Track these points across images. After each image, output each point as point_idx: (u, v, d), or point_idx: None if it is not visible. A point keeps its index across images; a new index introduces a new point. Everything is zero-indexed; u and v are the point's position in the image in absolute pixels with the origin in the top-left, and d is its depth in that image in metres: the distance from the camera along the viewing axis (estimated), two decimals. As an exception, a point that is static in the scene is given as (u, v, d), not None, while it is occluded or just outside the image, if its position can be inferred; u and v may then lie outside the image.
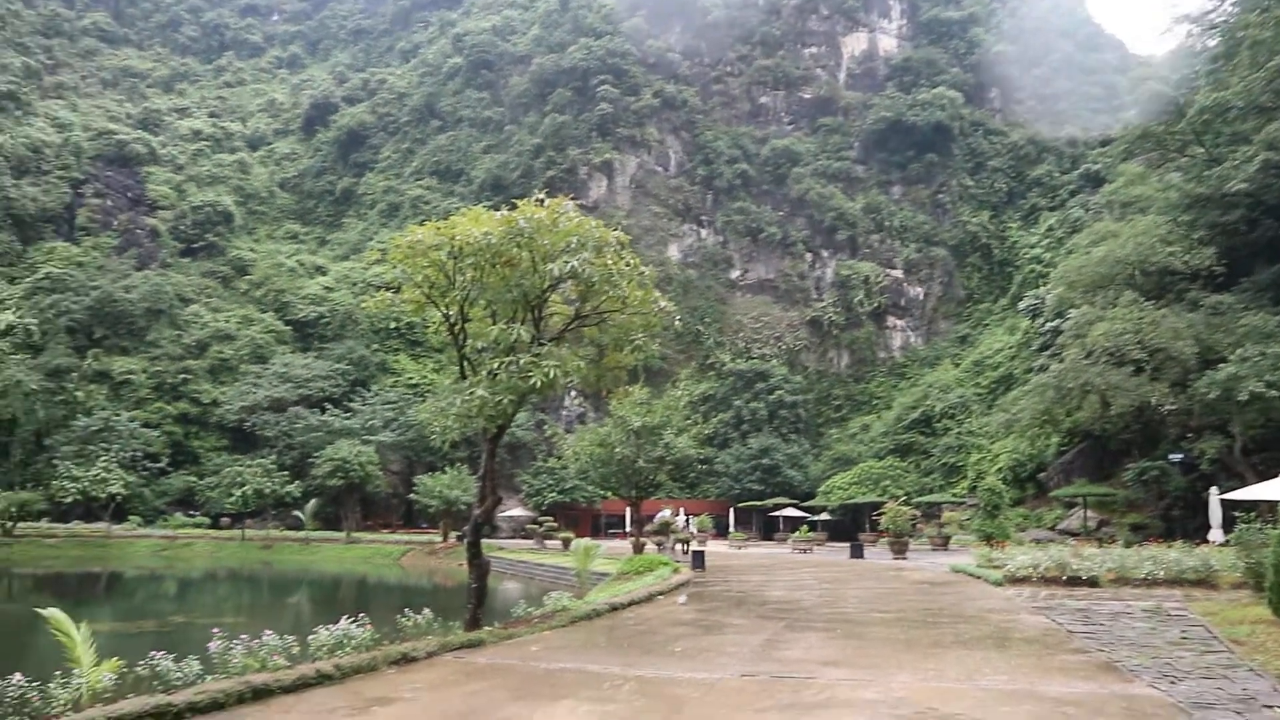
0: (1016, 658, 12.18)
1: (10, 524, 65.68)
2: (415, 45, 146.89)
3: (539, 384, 14.26)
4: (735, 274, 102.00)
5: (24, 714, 9.82)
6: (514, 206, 15.67)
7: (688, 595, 22.42)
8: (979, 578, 24.29)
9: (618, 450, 35.34)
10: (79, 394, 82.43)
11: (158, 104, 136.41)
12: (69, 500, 69.97)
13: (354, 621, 13.80)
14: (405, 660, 12.04)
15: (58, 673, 10.45)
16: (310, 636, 13.32)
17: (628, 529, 64.62)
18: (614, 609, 18.32)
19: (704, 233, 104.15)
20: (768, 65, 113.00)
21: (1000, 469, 58.97)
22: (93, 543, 65.69)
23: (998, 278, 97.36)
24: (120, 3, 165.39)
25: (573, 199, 16.80)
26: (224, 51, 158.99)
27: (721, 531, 70.46)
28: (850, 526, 66.70)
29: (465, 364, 16.41)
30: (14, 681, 10.10)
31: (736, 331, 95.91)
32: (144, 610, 34.74)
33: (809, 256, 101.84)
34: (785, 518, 68.81)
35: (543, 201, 15.76)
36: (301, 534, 68.92)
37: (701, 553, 33.23)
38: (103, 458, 72.90)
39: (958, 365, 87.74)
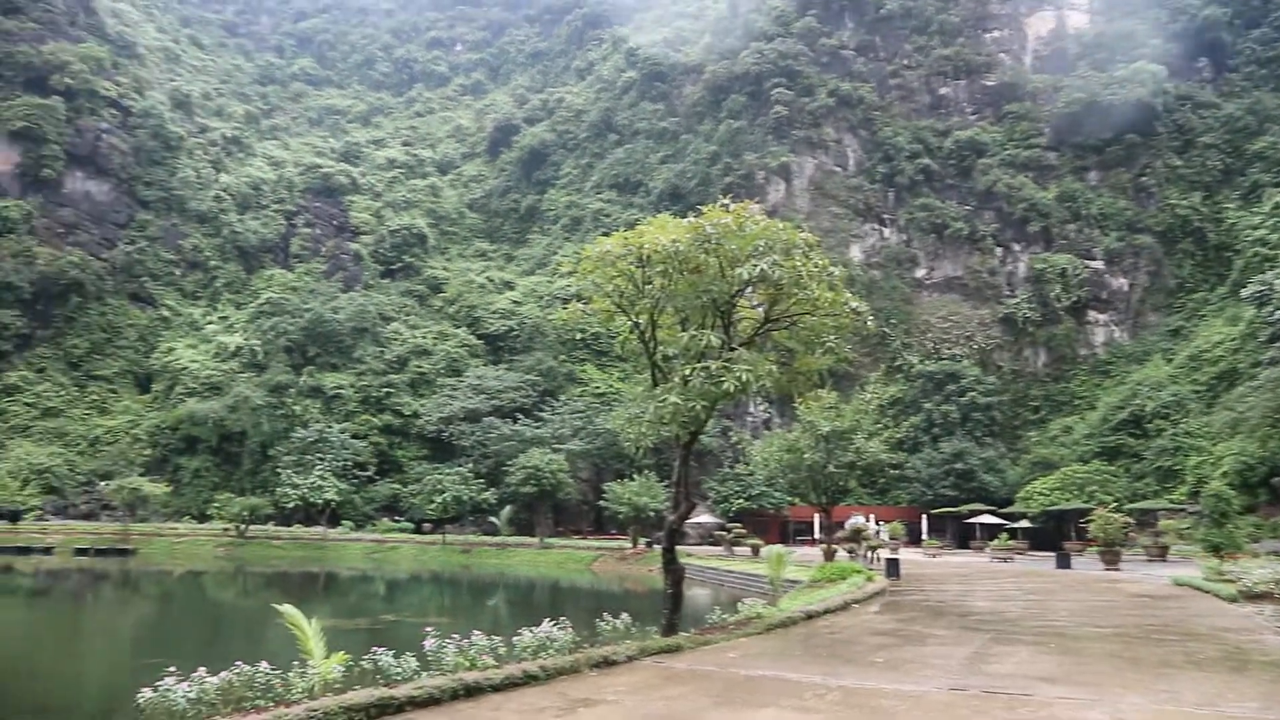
0: (1267, 683, 11.03)
1: (244, 526, 71.87)
2: (590, 63, 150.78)
3: (731, 389, 14.17)
4: (921, 272, 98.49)
5: (269, 699, 10.61)
6: (699, 213, 15.69)
7: (884, 604, 21.74)
8: (1208, 592, 22.33)
9: (806, 456, 34.78)
10: (297, 408, 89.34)
11: (357, 137, 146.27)
12: (291, 505, 75.84)
13: (555, 624, 14.13)
14: (606, 663, 12.21)
15: (295, 663, 11.23)
16: (514, 638, 13.73)
17: (817, 535, 63.56)
18: (809, 617, 17.97)
19: (886, 231, 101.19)
20: (947, 54, 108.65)
21: (1225, 473, 53.96)
22: (312, 545, 70.82)
23: (1214, 264, 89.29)
24: (322, 48, 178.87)
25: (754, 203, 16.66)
26: (413, 84, 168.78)
27: (914, 539, 68.01)
28: (1054, 535, 62.88)
29: (656, 371, 16.54)
30: (261, 669, 10.93)
31: (924, 332, 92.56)
32: (359, 608, 37.02)
33: (999, 251, 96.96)
34: (982, 525, 65.68)
35: (728, 206, 15.70)
36: (498, 539, 71.72)
37: (896, 560, 32.19)
38: (318, 467, 78.76)
39: (1170, 361, 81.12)
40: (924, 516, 71.78)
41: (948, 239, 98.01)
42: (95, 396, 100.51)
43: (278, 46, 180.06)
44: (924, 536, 66.53)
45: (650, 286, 15.82)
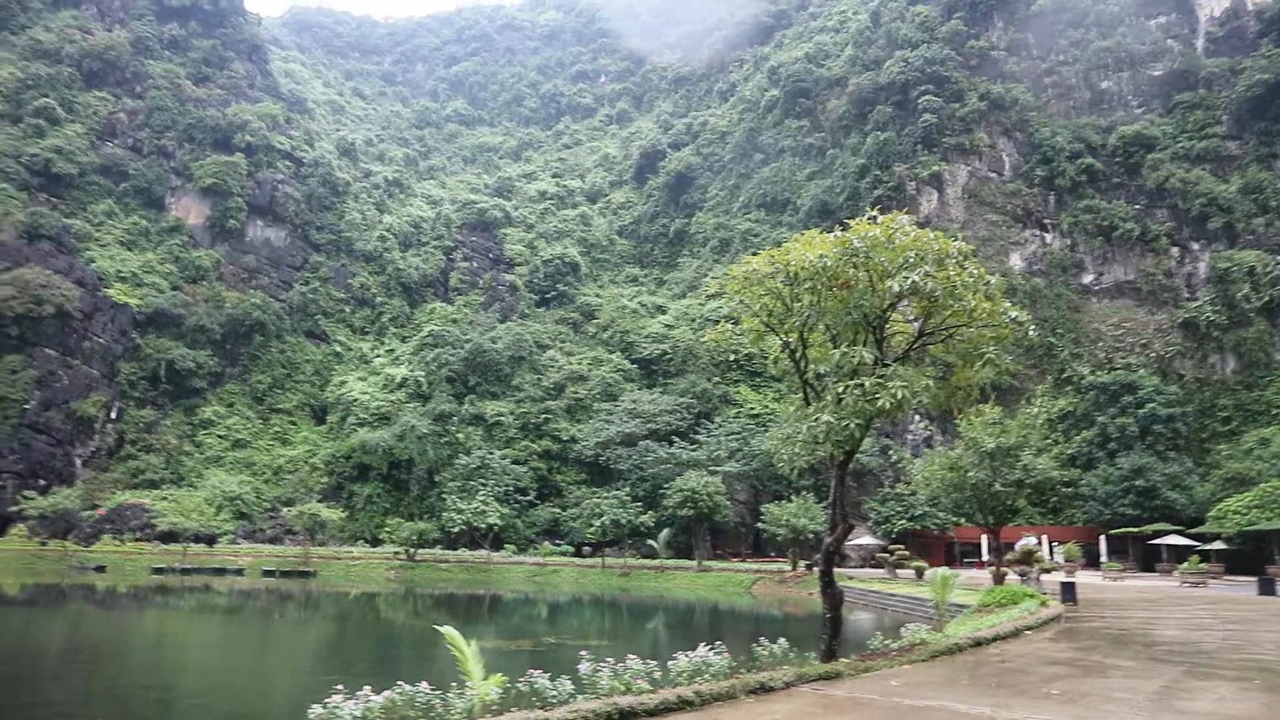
0: None
1: (412, 550, 74.95)
2: (732, 85, 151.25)
3: (886, 406, 13.72)
4: (1088, 278, 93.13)
5: (429, 718, 10.94)
6: (846, 228, 15.35)
7: (1059, 631, 20.48)
8: None
9: (970, 474, 33.33)
10: (460, 435, 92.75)
11: (509, 172, 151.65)
12: (456, 530, 78.58)
13: (711, 649, 13.97)
14: (763, 690, 11.97)
15: (454, 684, 11.53)
16: (670, 662, 13.65)
17: (985, 557, 60.83)
18: (977, 644, 17.11)
19: (1048, 237, 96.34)
20: (1107, 46, 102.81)
21: None
22: (476, 568, 73.06)
23: None
24: (474, 89, 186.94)
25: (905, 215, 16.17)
26: (561, 117, 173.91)
27: (1092, 561, 64.05)
28: (1254, 557, 57.83)
29: (808, 390, 16.23)
30: (422, 689, 11.28)
31: (1095, 341, 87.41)
32: (520, 630, 37.84)
33: (1175, 251, 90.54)
34: (1169, 546, 61.20)
35: (875, 219, 15.29)
36: (656, 562, 72.00)
37: (1072, 584, 30.35)
38: (481, 492, 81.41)
39: (1384, 362, 73.60)
40: (1102, 537, 67.52)
41: (1117, 241, 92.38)
42: (278, 428, 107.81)
43: (432, 91, 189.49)
44: (1103, 559, 62.58)
45: (799, 304, 15.56)
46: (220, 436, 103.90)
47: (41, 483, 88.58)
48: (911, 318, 16.64)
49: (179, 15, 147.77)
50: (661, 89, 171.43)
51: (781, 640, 15.90)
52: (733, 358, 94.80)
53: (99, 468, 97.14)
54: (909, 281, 14.26)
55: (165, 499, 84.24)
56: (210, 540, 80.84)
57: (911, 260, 14.61)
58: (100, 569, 68.86)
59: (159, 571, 67.43)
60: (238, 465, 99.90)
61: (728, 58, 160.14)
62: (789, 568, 63.70)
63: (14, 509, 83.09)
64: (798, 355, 16.40)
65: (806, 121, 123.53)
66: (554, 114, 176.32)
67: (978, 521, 38.98)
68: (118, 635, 35.46)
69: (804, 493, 68.75)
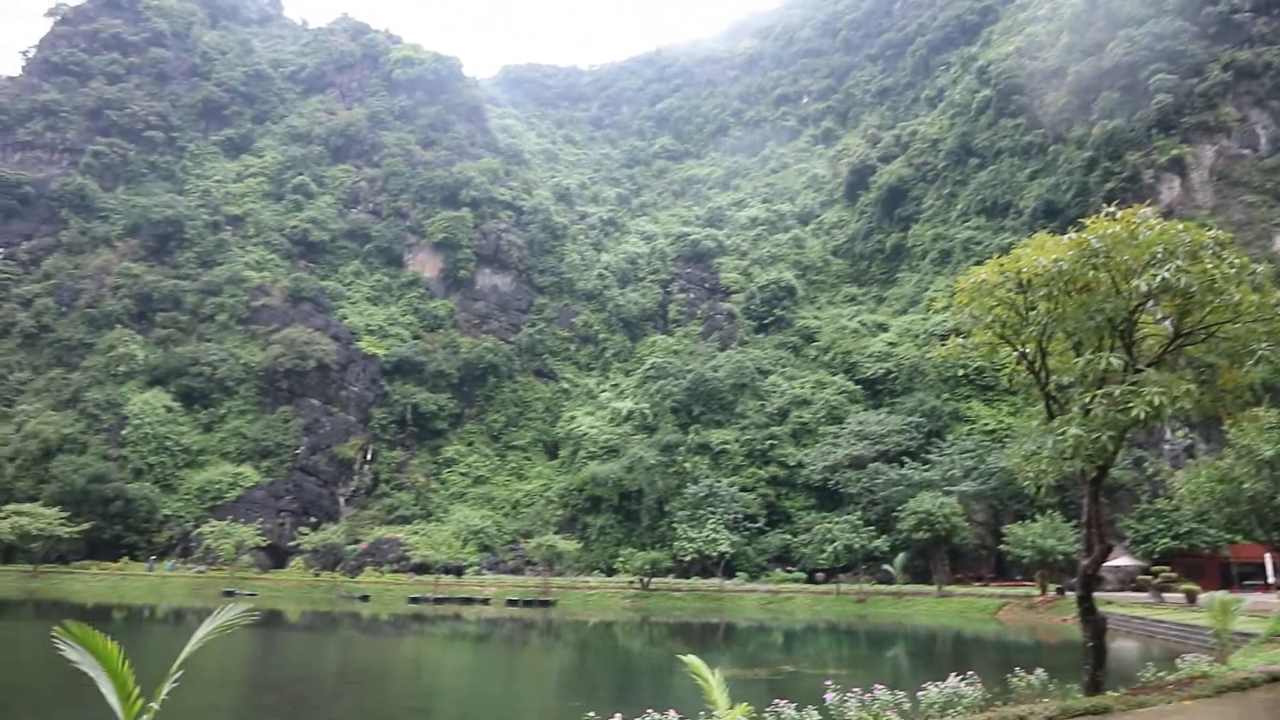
0: None
1: (646, 579, 76.31)
2: (940, 90, 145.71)
3: (1141, 416, 12.60)
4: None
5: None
6: (1080, 227, 14.35)
7: (1377, 662, 17.90)
8: None
9: (1246, 486, 29.99)
10: (687, 465, 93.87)
11: (719, 201, 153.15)
12: (688, 558, 79.29)
13: (963, 679, 13.30)
14: (1024, 724, 11.23)
15: (701, 713, 11.56)
16: (919, 693, 13.11)
17: (1270, 579, 54.59)
18: (1274, 679, 15.27)
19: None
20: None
21: None
22: (709, 596, 73.31)
23: None
24: (678, 124, 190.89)
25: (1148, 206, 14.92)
26: (766, 142, 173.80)
27: None
28: None
29: (1050, 402, 15.23)
30: (670, 717, 11.39)
31: (1391, 329, 76.82)
32: (757, 658, 37.53)
33: None
34: None
35: (1114, 215, 14.20)
36: (893, 588, 69.57)
37: (1387, 608, 26.55)
38: (711, 520, 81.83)
39: None
40: None
41: None
42: (514, 464, 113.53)
43: (639, 131, 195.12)
44: None
45: (1034, 312, 14.66)
46: (462, 474, 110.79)
47: (312, 520, 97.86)
48: (1163, 318, 15.27)
49: (406, 88, 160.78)
50: (866, 103, 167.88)
51: (1039, 671, 14.90)
52: (962, 372, 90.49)
53: (359, 505, 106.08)
54: (1158, 279, 13.09)
55: (417, 533, 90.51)
56: (458, 571, 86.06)
57: (1159, 256, 13.42)
58: (364, 598, 74.81)
59: (414, 601, 72.34)
60: (479, 500, 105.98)
61: (933, 63, 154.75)
62: (1037, 592, 59.72)
63: (291, 544, 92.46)
64: (1037, 366, 15.43)
65: (1023, 119, 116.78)
66: (759, 140, 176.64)
67: (1259, 539, 34.96)
68: (383, 659, 38.29)
69: (1050, 511, 64.34)
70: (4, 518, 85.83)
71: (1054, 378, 15.55)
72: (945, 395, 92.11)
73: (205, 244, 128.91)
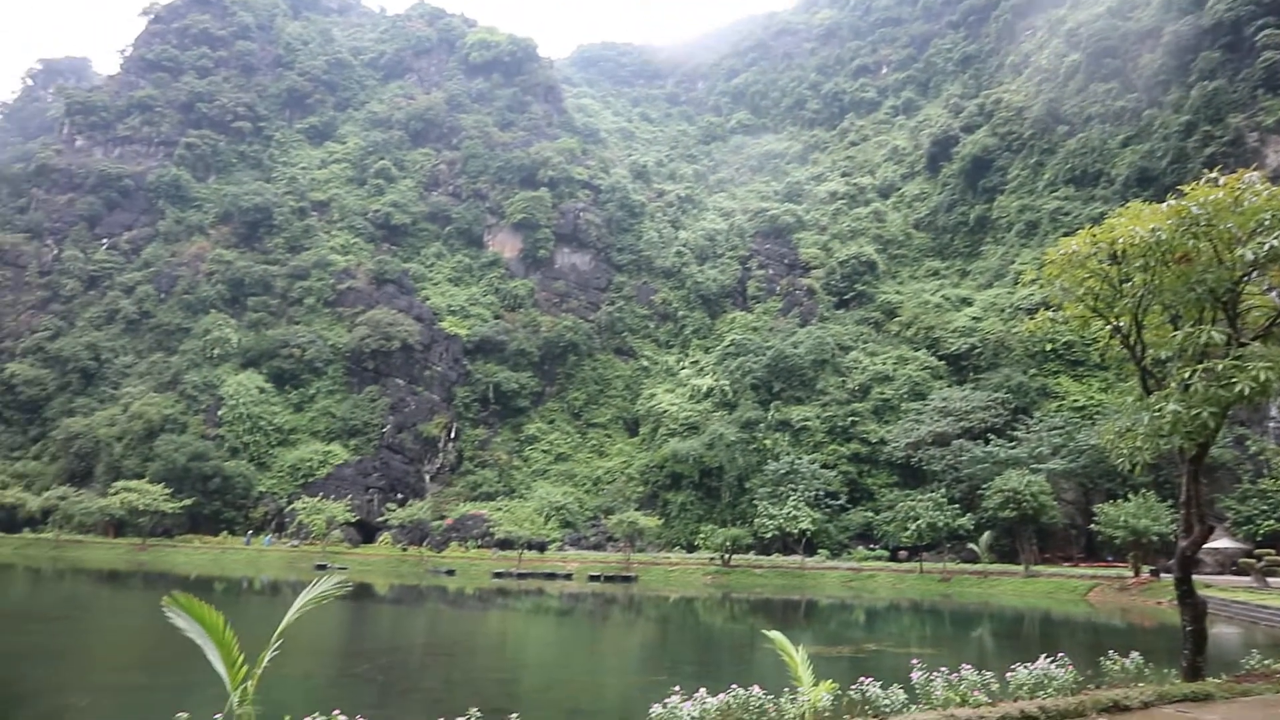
0: None
1: (727, 556, 76.44)
2: (1025, 55, 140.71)
3: (1246, 391, 12.10)
4: None
5: (761, 722, 11.09)
6: (1178, 194, 13.79)
7: None
8: None
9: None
10: (767, 442, 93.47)
11: (797, 176, 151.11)
12: (768, 535, 79.10)
13: (1053, 661, 13.04)
14: (1117, 709, 10.97)
15: (786, 689, 11.58)
16: (1007, 674, 12.91)
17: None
18: (1389, 664, 14.60)
19: None
20: None
21: None
22: (790, 573, 73.08)
23: None
24: (755, 99, 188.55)
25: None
26: (844, 115, 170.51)
27: None
28: None
29: (1146, 377, 14.71)
30: (755, 693, 11.43)
31: None
32: (839, 636, 37.33)
33: None
34: None
35: (1217, 180, 13.61)
36: (978, 567, 68.35)
37: None
38: (791, 497, 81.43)
39: None
40: None
41: None
42: (595, 441, 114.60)
43: (715, 107, 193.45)
44: None
45: (1129, 284, 14.16)
46: (544, 451, 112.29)
47: (399, 496, 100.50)
48: (1270, 289, 14.62)
49: (483, 71, 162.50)
50: (948, 71, 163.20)
51: (1134, 654, 14.51)
52: (1050, 347, 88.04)
53: (443, 482, 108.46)
54: (1266, 248, 12.52)
55: (500, 510, 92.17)
56: (541, 547, 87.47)
57: (1267, 223, 12.83)
58: (450, 573, 76.57)
59: (498, 575, 73.77)
60: (561, 477, 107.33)
61: (1018, 27, 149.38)
62: (1130, 574, 57.99)
63: (379, 520, 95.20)
64: (1132, 340, 14.91)
65: (1115, 83, 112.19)
66: (837, 112, 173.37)
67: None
68: (469, 632, 39.22)
69: (1144, 491, 62.31)
70: (114, 494, 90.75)
71: (1150, 352, 15.01)
72: (1032, 371, 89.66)
73: (293, 230, 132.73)
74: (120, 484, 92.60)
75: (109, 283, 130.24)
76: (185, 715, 9.06)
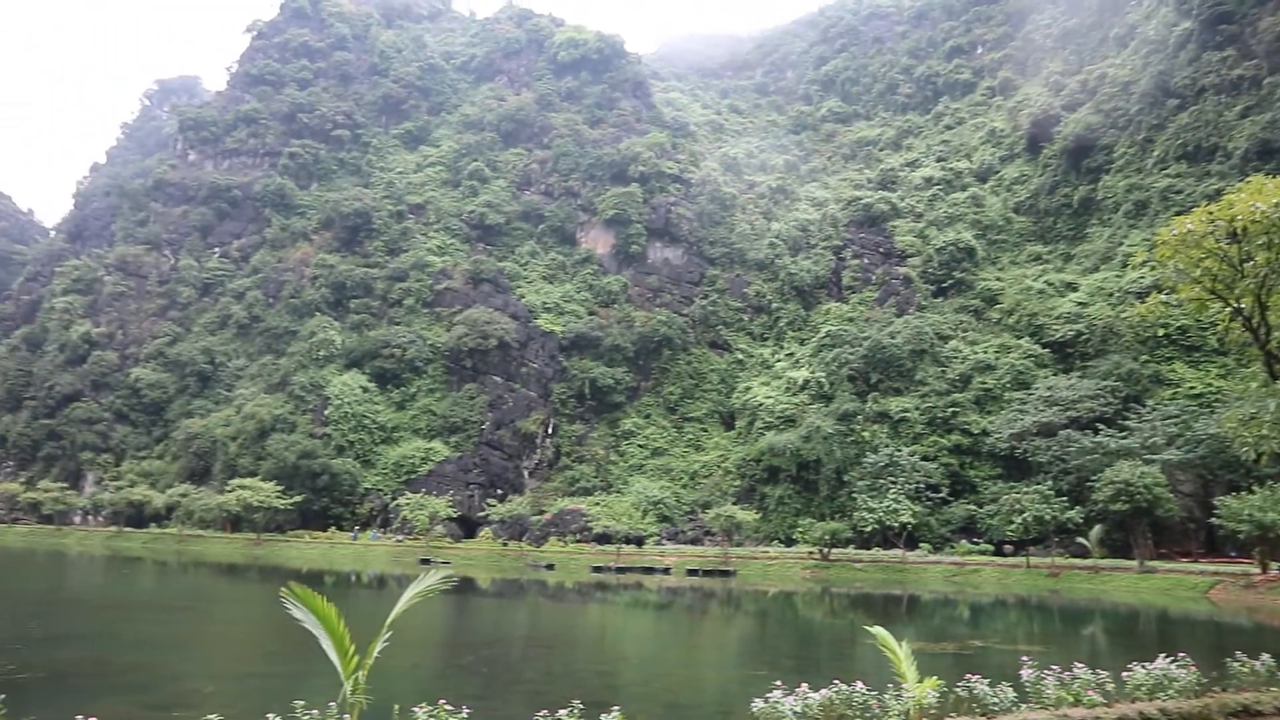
0: None
1: (826, 550, 75.56)
2: (1131, 27, 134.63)
3: (1384, 375, 11.36)
4: None
5: (866, 718, 10.89)
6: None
7: None
8: None
9: None
10: (865, 434, 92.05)
11: (891, 163, 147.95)
12: (868, 529, 77.91)
13: (1173, 661, 12.48)
14: (1246, 713, 10.47)
15: (889, 685, 11.37)
16: (1124, 674, 12.43)
17: None
18: None
19: None
20: None
21: None
22: (891, 567, 71.78)
23: None
24: (845, 85, 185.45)
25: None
26: (939, 98, 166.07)
27: None
28: None
29: (1273, 362, 13.96)
30: (858, 689, 11.25)
31: None
32: (943, 632, 36.48)
33: None
34: None
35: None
36: (1088, 562, 65.91)
37: None
38: (891, 490, 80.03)
39: None
40: None
41: None
42: (690, 435, 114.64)
43: (805, 95, 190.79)
44: None
45: (1251, 263, 13.49)
46: (640, 446, 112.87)
47: (499, 492, 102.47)
48: None
49: (571, 69, 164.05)
50: (1047, 48, 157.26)
51: (1264, 656, 13.76)
52: (1163, 332, 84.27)
53: (541, 478, 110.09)
54: (1404, 221, 11.72)
55: (598, 504, 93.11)
56: (639, 541, 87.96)
57: (1405, 195, 12.01)
58: (550, 567, 77.67)
59: (597, 570, 74.46)
60: (657, 472, 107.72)
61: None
62: (1256, 570, 55.06)
63: (480, 515, 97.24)
64: (1255, 322, 14.19)
65: (1232, 51, 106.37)
66: (931, 96, 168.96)
67: None
68: (569, 625, 39.70)
69: (1270, 482, 59.09)
70: (230, 491, 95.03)
71: (1276, 335, 14.23)
72: (1144, 357, 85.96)
73: (391, 233, 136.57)
74: (236, 482, 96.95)
75: (221, 289, 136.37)
76: (302, 702, 9.40)
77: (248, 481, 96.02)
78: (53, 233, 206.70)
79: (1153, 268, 13.62)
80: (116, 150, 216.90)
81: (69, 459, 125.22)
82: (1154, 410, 76.03)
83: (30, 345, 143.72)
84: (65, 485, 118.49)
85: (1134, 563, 63.06)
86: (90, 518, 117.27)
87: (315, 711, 9.23)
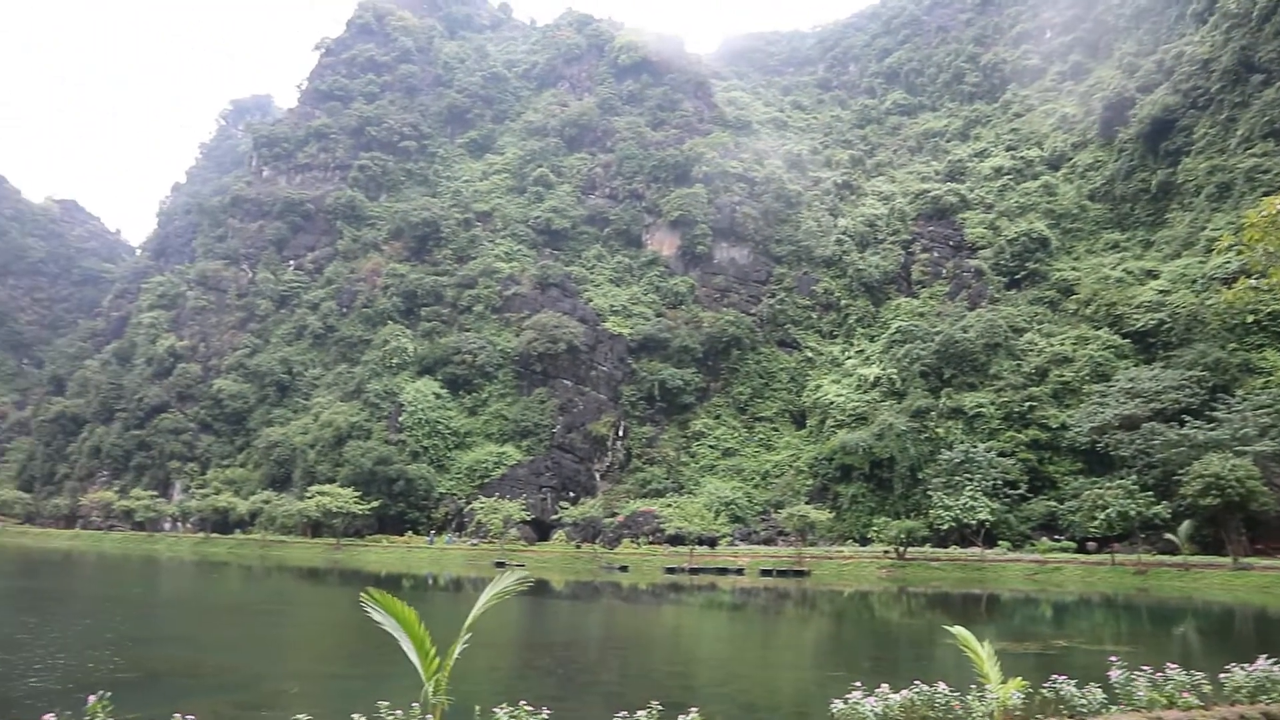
0: None
1: (901, 549, 74.41)
2: (1209, 2, 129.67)
3: None
4: None
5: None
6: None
7: None
8: None
9: None
10: (939, 430, 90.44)
11: (959, 154, 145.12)
12: (945, 527, 76.48)
13: (1276, 663, 12.01)
14: (1356, 713, 9.97)
15: (972, 686, 11.15)
16: (1221, 675, 11.99)
17: None
18: None
19: None
20: None
21: None
22: (970, 566, 70.35)
23: None
24: (909, 76, 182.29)
25: None
26: (1006, 86, 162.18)
27: None
28: None
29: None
30: (940, 689, 11.06)
31: None
32: (1024, 631, 35.63)
33: None
34: None
35: None
36: (1178, 559, 63.72)
37: None
38: (968, 487, 78.40)
39: None
40: None
41: None
42: (761, 435, 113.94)
43: (868, 89, 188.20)
44: None
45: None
46: (711, 446, 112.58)
47: (571, 495, 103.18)
48: None
49: (632, 72, 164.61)
50: (1119, 28, 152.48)
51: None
52: (1252, 318, 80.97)
53: (613, 480, 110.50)
54: None
55: (670, 506, 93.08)
56: (711, 543, 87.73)
57: None
58: (623, 569, 77.95)
59: (670, 571, 74.50)
60: (729, 472, 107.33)
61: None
62: (1361, 562, 52.69)
63: (553, 518, 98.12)
64: (1352, 306, 13.58)
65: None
66: (998, 84, 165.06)
67: None
68: (644, 626, 39.79)
69: (1372, 471, 56.49)
70: (310, 498, 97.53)
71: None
72: (1232, 345, 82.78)
73: (459, 241, 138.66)
74: (315, 488, 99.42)
75: (297, 301, 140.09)
76: (386, 704, 9.59)
77: (326, 488, 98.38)
78: (139, 251, 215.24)
79: (1239, 251, 13.03)
80: (196, 169, 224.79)
81: (158, 468, 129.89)
82: (1244, 400, 73.13)
83: (120, 359, 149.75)
84: (155, 493, 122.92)
85: (1227, 559, 60.75)
86: (179, 524, 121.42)
87: (399, 712, 9.42)
